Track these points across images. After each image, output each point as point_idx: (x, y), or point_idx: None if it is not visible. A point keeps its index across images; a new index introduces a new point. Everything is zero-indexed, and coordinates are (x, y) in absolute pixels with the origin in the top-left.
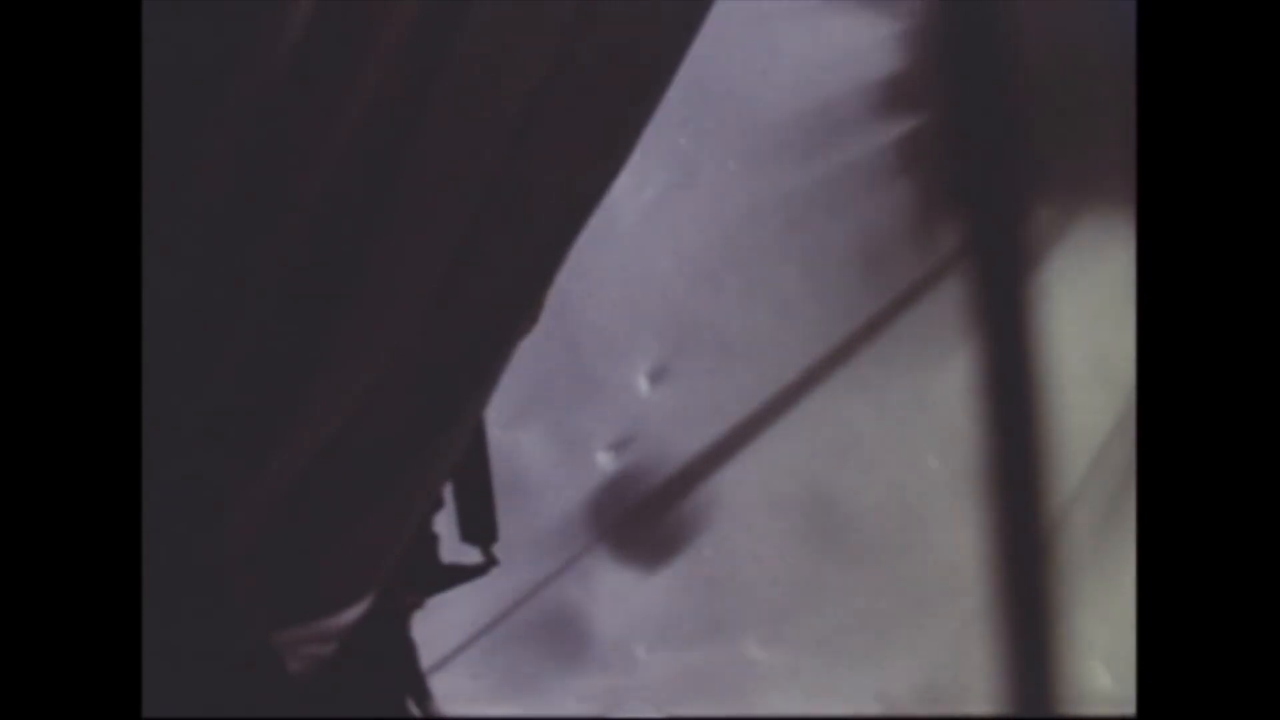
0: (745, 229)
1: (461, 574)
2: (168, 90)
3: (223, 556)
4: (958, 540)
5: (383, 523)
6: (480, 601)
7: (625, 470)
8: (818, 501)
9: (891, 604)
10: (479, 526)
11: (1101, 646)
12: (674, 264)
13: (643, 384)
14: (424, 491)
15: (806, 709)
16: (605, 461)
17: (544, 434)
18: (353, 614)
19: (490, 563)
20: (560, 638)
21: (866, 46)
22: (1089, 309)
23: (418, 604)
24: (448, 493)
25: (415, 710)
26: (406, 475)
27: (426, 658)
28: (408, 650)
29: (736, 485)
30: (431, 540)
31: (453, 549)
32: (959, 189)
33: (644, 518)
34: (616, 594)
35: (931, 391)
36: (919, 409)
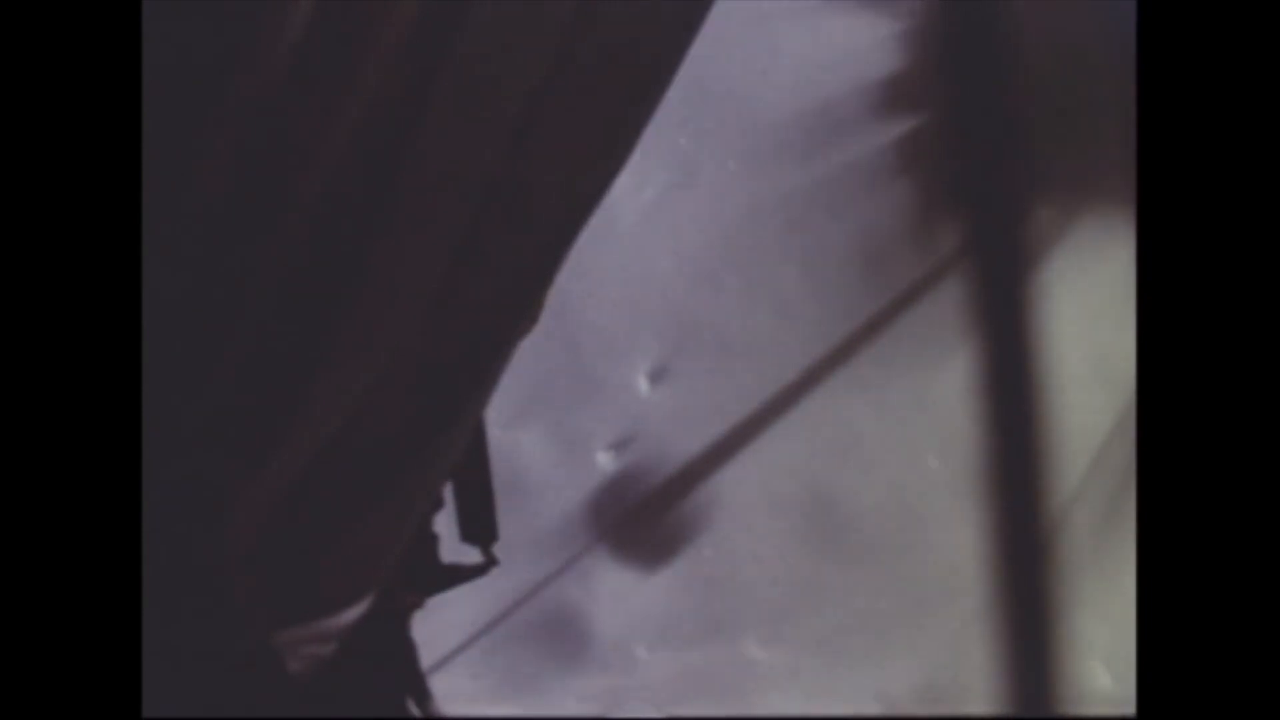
0: (745, 229)
1: (461, 574)
2: (168, 90)
3: (223, 556)
4: (958, 540)
5: (383, 523)
6: (480, 601)
7: (625, 470)
8: (818, 501)
9: (891, 604)
10: (479, 526)
11: (1101, 646)
12: (674, 264)
13: (643, 384)
14: (424, 491)
15: (807, 709)
16: (605, 461)
17: (544, 434)
18: (353, 614)
19: (490, 563)
20: (560, 638)
21: (866, 46)
22: (1089, 309)
23: (418, 604)
24: (448, 493)
25: (415, 710)
26: (406, 475)
27: (426, 658)
28: (408, 650)
29: (736, 485)
30: (431, 540)
31: (453, 549)
32: (959, 189)
33: (644, 518)
34: (617, 594)
35: (931, 391)
36: (919, 409)
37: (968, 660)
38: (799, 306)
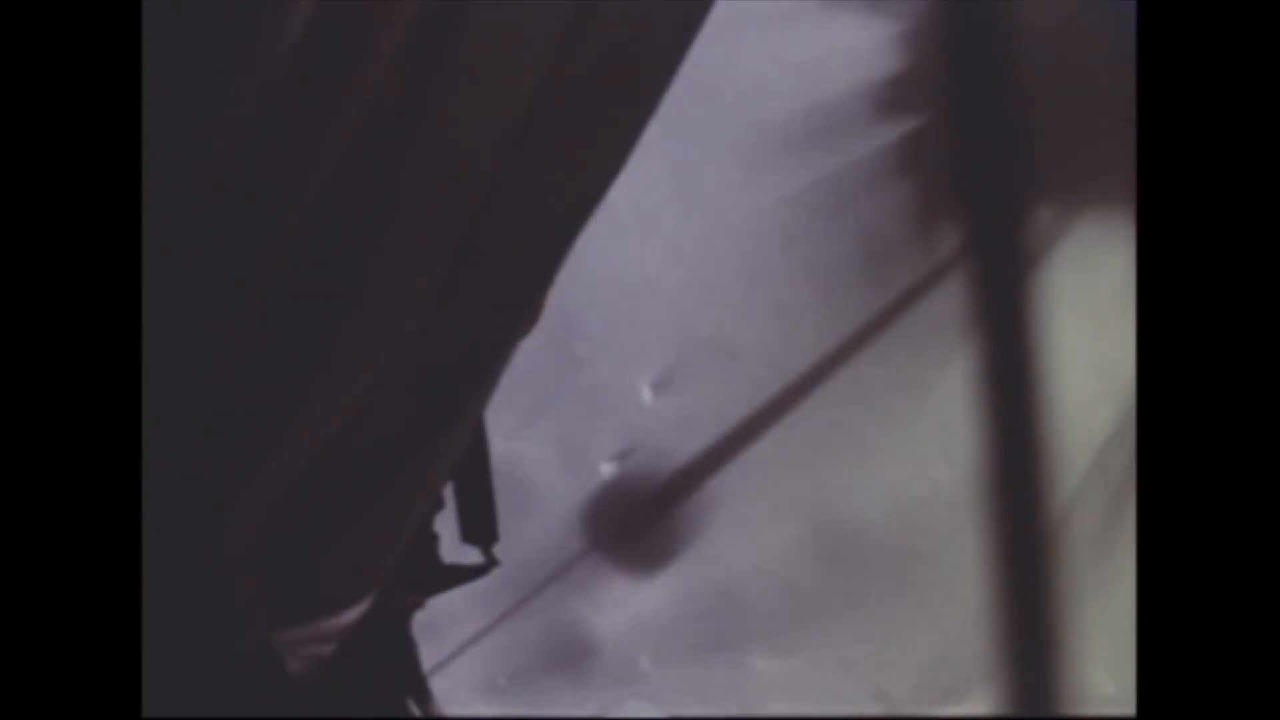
0: (746, 231)
1: (461, 574)
2: (168, 90)
3: (223, 556)
4: (959, 542)
5: (383, 523)
6: (481, 613)
7: (629, 479)
8: (821, 510)
9: (892, 606)
10: (479, 527)
11: (1102, 648)
12: (675, 269)
13: (646, 393)
14: (424, 491)
15: (807, 709)
16: (609, 471)
17: (548, 444)
18: (353, 614)
19: (490, 563)
20: (563, 648)
21: (866, 46)
22: (1089, 310)
23: (418, 604)
24: (448, 493)
25: (415, 710)
26: (406, 475)
27: (426, 658)
28: (408, 650)
29: (739, 494)
30: (431, 540)
31: (453, 549)
32: (959, 189)
33: (647, 527)
34: (620, 603)
35: (932, 394)
36: (920, 414)
37: (968, 660)
38: (800, 309)
